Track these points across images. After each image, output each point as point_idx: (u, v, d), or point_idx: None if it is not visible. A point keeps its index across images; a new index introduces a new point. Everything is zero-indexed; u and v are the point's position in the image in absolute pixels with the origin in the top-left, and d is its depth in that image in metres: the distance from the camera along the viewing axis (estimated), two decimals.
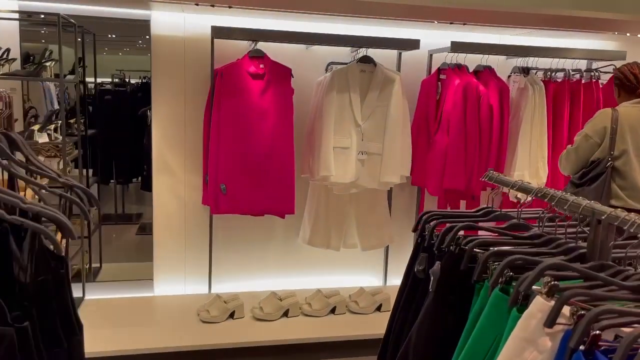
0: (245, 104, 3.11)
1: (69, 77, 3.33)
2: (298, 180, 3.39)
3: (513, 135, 3.46)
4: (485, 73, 3.47)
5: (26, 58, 3.13)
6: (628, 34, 3.43)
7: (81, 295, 3.39)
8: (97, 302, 3.37)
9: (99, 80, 4.28)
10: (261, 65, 3.13)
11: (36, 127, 2.83)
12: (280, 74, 3.16)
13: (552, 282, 0.83)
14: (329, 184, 3.32)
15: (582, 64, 3.70)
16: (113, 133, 4.12)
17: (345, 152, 3.27)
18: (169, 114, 3.39)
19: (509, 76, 3.61)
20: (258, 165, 3.16)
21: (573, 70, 3.57)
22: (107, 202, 5.12)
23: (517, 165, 3.42)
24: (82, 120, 3.61)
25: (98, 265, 4.03)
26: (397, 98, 3.25)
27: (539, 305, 0.82)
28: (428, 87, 3.49)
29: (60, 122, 3.03)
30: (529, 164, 3.42)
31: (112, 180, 4.81)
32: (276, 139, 3.17)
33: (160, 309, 3.37)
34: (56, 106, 5.44)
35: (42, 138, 2.86)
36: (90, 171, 4.91)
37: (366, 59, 3.27)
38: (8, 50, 2.96)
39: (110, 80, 4.86)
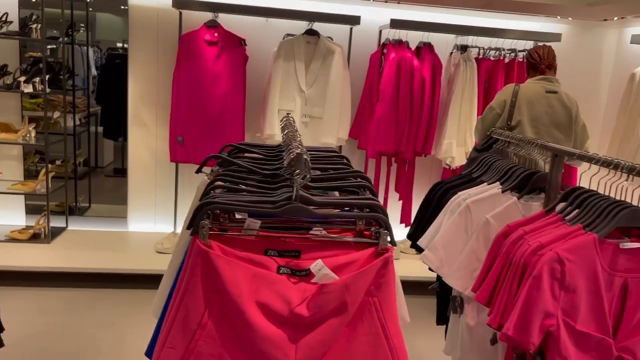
0: (201, 68, 3.59)
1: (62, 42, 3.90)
2: (254, 139, 3.86)
3: (446, 107, 3.80)
4: (424, 49, 3.80)
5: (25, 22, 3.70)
6: (558, 17, 3.67)
7: (64, 225, 4.01)
8: (77, 232, 3.99)
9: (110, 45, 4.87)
10: (215, 34, 3.60)
11: (22, 79, 3.41)
12: (233, 41, 3.62)
13: (215, 168, 1.26)
14: (275, 142, 3.77)
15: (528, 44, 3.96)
16: (121, 94, 4.61)
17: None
18: (144, 74, 3.91)
19: (451, 53, 3.92)
20: (211, 121, 3.65)
21: (509, 50, 3.85)
22: (117, 158, 5.78)
23: (447, 134, 3.76)
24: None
25: (87, 204, 4.68)
26: (336, 68, 3.64)
27: (202, 182, 1.26)
28: (374, 61, 3.87)
29: (48, 75, 3.60)
30: (457, 133, 3.76)
31: (120, 138, 5.43)
32: (227, 99, 3.64)
33: (128, 241, 3.95)
34: (94, 70, 6.09)
35: (28, 88, 3.43)
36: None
37: (311, 32, 3.68)
38: (6, 14, 3.54)
39: (120, 45, 5.45)
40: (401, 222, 4.02)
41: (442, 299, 1.98)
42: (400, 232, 3.65)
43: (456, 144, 3.77)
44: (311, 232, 1.08)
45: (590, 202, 1.30)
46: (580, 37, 4.18)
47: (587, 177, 1.48)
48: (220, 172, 1.23)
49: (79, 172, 4.69)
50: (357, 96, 3.97)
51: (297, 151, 1.01)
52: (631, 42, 3.51)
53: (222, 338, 1.02)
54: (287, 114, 1.84)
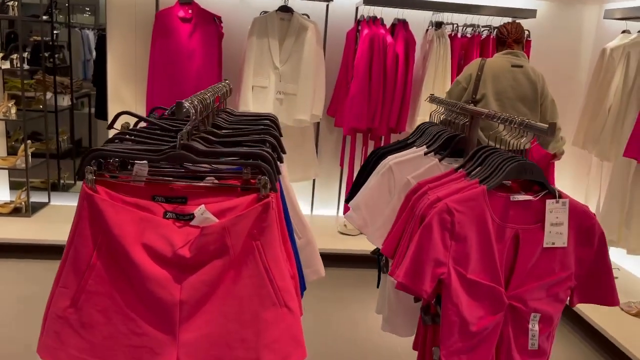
0: (175, 44, 3.64)
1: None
2: None
3: (421, 84, 3.81)
4: (399, 26, 3.82)
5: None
6: None
7: (47, 201, 4.11)
8: (58, 206, 4.08)
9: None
10: (190, 11, 3.64)
11: (0, 55, 3.48)
12: (206, 18, 3.66)
13: (124, 124, 1.32)
14: None
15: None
16: None
17: (264, 91, 3.74)
18: (122, 51, 3.97)
19: (427, 30, 3.93)
20: (185, 97, 3.69)
21: (484, 27, 3.85)
22: None
23: (420, 110, 3.78)
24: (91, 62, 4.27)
25: (73, 182, 4.78)
26: (309, 45, 3.67)
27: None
28: (349, 38, 3.89)
29: (26, 53, 3.67)
30: (430, 110, 3.76)
31: None
32: (202, 75, 3.69)
33: None
34: (94, 53, 6.16)
35: (5, 65, 3.50)
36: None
37: (285, 8, 3.70)
38: None
39: None
40: None
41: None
42: None
43: (429, 120, 3.78)
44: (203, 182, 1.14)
45: (490, 159, 1.34)
46: (559, 14, 4.16)
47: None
48: (127, 127, 1.29)
49: (67, 150, 4.79)
50: (336, 74, 4.00)
51: (180, 102, 1.05)
52: (604, 17, 3.49)
53: (111, 278, 1.08)
54: (222, 84, 1.88)
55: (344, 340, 2.85)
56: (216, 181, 1.14)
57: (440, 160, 1.63)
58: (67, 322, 1.08)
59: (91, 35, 6.29)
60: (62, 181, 4.66)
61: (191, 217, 1.09)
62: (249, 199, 1.09)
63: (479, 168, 1.37)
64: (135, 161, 1.10)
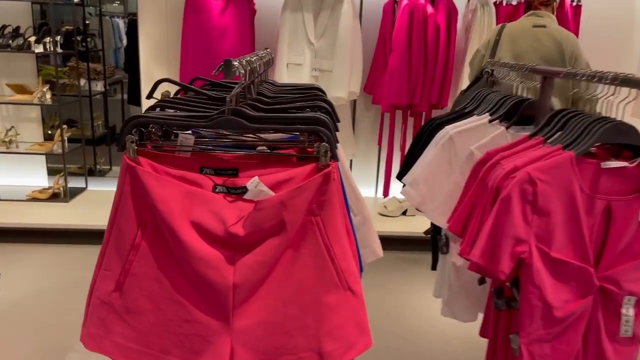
0: (207, 22, 3.53)
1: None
2: None
3: (464, 56, 3.61)
4: None
5: None
6: None
7: (84, 186, 4.09)
8: (95, 192, 4.06)
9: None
10: None
11: (33, 39, 3.43)
12: None
13: (166, 92, 1.21)
14: None
15: None
16: None
17: (299, 69, 3.61)
18: (153, 32, 3.88)
19: None
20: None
21: None
22: None
23: (463, 84, 3.58)
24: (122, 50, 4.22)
25: (108, 167, 4.76)
26: (345, 18, 3.51)
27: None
28: (386, 11, 3.71)
29: (59, 37, 3.63)
30: None
31: None
32: (235, 53, 3.57)
33: None
34: (124, 41, 6.15)
35: (38, 49, 3.46)
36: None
37: None
38: None
39: None
40: None
41: (437, 243, 1.89)
42: None
43: None
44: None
45: (573, 122, 1.18)
46: None
47: None
48: (168, 96, 1.18)
49: (101, 136, 4.78)
50: (372, 49, 3.83)
51: (229, 59, 0.93)
52: None
53: (157, 259, 0.98)
54: (264, 52, 1.75)
55: (389, 328, 2.72)
56: (269, 150, 1.02)
57: (507, 128, 1.48)
58: (111, 307, 0.99)
59: (121, 23, 6.27)
60: (98, 167, 4.64)
61: (243, 190, 0.97)
62: (307, 169, 0.97)
63: (559, 133, 1.21)
64: (180, 131, 0.99)
